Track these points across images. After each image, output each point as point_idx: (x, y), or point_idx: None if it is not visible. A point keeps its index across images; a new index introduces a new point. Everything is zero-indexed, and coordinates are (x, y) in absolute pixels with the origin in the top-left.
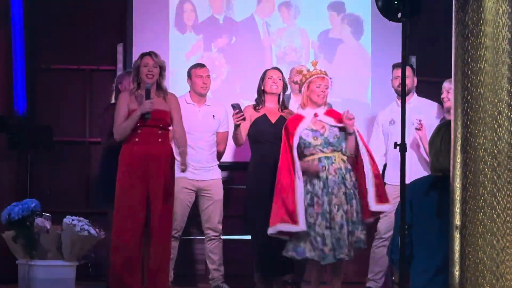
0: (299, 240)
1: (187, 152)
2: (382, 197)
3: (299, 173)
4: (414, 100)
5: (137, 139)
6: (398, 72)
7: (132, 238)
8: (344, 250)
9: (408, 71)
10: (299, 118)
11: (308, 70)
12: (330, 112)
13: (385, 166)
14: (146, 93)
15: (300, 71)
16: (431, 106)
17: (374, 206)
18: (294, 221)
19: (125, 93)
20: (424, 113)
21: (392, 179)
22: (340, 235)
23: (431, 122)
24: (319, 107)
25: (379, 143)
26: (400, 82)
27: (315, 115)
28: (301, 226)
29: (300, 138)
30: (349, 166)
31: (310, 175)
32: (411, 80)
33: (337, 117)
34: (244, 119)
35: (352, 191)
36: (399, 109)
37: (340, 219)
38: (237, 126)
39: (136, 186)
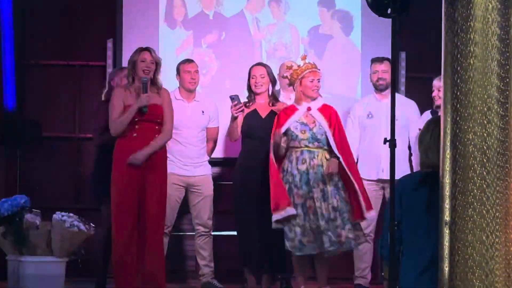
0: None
1: (154, 148)
2: (369, 205)
3: (274, 164)
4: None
5: (135, 134)
6: (377, 66)
7: (130, 234)
8: (324, 244)
9: (387, 66)
10: (292, 109)
11: (299, 66)
12: (324, 109)
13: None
14: (143, 87)
15: (290, 67)
16: (408, 103)
17: (367, 214)
18: (288, 204)
19: (120, 88)
20: (401, 110)
21: (364, 173)
22: (319, 229)
23: (408, 120)
24: (313, 101)
25: (354, 137)
26: (379, 76)
27: (308, 108)
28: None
29: (288, 129)
30: None
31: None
32: (389, 75)
33: (329, 112)
34: (242, 110)
35: (331, 189)
36: (378, 103)
37: (324, 212)
38: (234, 119)
39: (133, 182)
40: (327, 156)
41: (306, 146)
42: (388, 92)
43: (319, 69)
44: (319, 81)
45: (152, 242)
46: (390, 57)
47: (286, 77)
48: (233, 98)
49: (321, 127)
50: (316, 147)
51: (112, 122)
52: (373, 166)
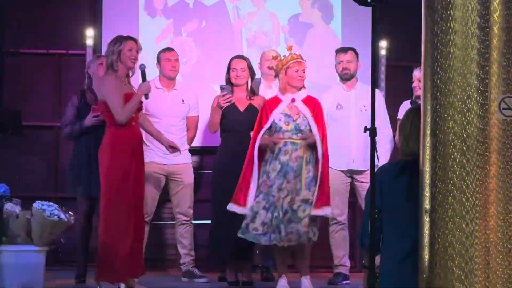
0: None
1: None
2: (322, 200)
3: (255, 158)
4: (358, 86)
5: (133, 123)
6: (341, 56)
7: (129, 221)
8: (281, 236)
9: (351, 56)
10: (277, 101)
11: (284, 56)
12: (308, 100)
13: None
14: (143, 75)
15: (275, 57)
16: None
17: (316, 211)
18: (243, 204)
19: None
20: (367, 99)
21: (334, 163)
22: (280, 221)
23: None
24: (298, 91)
25: None
26: (344, 67)
27: (292, 100)
28: (247, 210)
29: (273, 121)
30: (312, 158)
31: (271, 148)
32: (354, 65)
33: (313, 104)
34: (230, 102)
35: (307, 181)
36: (346, 93)
37: (286, 205)
38: (220, 109)
39: (133, 171)
40: (309, 149)
41: (290, 137)
42: (353, 81)
43: (305, 60)
44: (304, 71)
45: (142, 227)
46: (370, 45)
47: (272, 67)
48: (223, 88)
49: (305, 119)
50: (300, 138)
51: (122, 112)
52: (343, 156)
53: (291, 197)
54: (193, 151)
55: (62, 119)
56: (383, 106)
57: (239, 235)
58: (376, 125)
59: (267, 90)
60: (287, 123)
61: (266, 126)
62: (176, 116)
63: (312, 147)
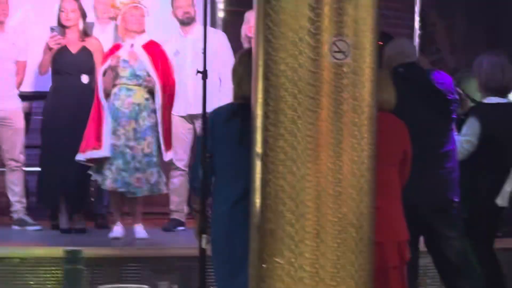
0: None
1: None
2: (165, 146)
3: (103, 100)
4: (196, 30)
5: None
6: (180, 1)
7: None
8: (124, 183)
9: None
10: (116, 47)
11: (121, 2)
12: (149, 45)
13: None
14: None
15: (113, 5)
16: (215, 35)
17: (165, 155)
18: (100, 146)
19: None
20: (209, 42)
21: (174, 110)
22: (121, 168)
23: (216, 52)
24: (138, 35)
25: None
26: (185, 11)
27: (131, 45)
28: (105, 152)
29: (110, 66)
30: (152, 106)
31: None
32: (194, 9)
33: (154, 49)
34: (61, 44)
35: (144, 129)
36: (183, 39)
37: (134, 152)
38: (49, 50)
39: None
40: (146, 95)
41: (125, 83)
42: (193, 26)
43: (145, 6)
44: (142, 16)
45: None
46: None
47: (110, 14)
48: (53, 29)
49: (142, 62)
50: (135, 84)
51: None
52: (181, 102)
53: (129, 146)
54: (22, 96)
55: None
56: (228, 48)
57: (104, 187)
58: (217, 68)
59: (102, 35)
60: (123, 68)
61: (103, 67)
62: (6, 59)
63: (152, 93)
